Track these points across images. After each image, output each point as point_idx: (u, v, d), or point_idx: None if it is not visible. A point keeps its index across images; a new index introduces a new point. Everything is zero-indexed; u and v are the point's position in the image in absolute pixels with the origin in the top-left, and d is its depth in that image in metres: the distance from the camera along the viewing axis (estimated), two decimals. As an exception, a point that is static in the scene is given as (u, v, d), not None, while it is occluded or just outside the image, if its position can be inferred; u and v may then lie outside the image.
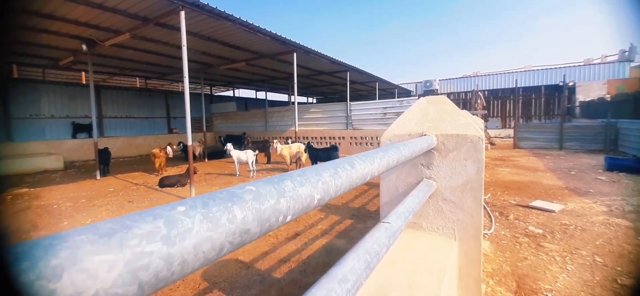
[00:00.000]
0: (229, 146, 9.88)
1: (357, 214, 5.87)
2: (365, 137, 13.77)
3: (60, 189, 8.58)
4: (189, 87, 6.43)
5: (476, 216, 1.80)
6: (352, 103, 14.35)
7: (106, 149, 10.24)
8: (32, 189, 8.60)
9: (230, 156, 9.67)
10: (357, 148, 13.98)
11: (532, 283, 3.54)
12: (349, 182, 0.71)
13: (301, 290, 3.45)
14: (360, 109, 14.13)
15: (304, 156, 10.04)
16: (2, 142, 12.35)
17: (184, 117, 6.91)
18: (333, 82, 19.67)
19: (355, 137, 14.10)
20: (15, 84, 13.08)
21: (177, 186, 8.26)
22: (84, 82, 15.30)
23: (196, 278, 3.74)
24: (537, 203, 6.10)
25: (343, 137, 14.45)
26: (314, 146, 10.24)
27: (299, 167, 10.22)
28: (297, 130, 11.77)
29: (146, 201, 7.21)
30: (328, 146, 10.68)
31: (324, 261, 4.06)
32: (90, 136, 9.57)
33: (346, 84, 15.67)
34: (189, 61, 11.91)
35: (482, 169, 1.76)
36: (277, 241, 4.66)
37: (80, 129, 14.59)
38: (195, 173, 8.21)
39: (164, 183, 8.33)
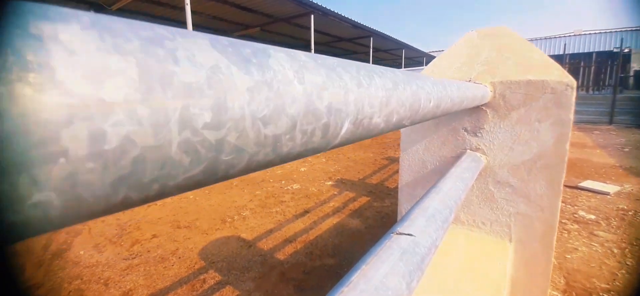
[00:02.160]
0: None
1: (375, 191, 5.30)
2: (388, 109, 12.92)
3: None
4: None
5: (549, 209, 1.17)
6: (374, 72, 13.39)
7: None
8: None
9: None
10: (378, 120, 13.17)
11: (584, 280, 2.91)
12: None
13: (305, 274, 3.01)
14: (383, 79, 13.16)
15: None
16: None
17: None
18: (354, 51, 18.53)
19: (376, 109, 13.26)
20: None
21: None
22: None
23: (193, 256, 3.39)
24: (588, 184, 5.25)
25: (363, 109, 13.65)
26: None
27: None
28: (314, 100, 11.11)
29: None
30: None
31: (334, 243, 3.58)
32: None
33: (369, 51, 14.60)
34: (199, 27, 11.41)
35: (566, 137, 1.11)
36: (284, 219, 4.22)
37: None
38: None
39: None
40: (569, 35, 18.83)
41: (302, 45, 15.78)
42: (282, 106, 0.19)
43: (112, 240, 3.80)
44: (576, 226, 3.93)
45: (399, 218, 1.62)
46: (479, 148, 1.27)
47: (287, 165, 7.21)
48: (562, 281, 2.91)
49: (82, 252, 3.55)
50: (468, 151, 1.30)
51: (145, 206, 4.88)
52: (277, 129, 0.19)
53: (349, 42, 15.71)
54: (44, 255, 3.53)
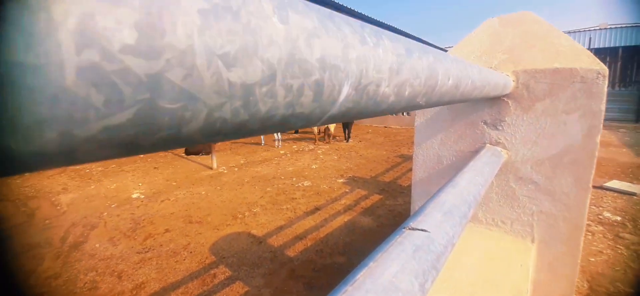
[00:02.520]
0: None
1: (387, 189, 5.21)
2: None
3: (96, 154, 8.89)
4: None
5: (576, 208, 1.09)
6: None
7: (139, 116, 10.44)
8: (71, 153, 9.02)
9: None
10: (390, 119, 13.00)
11: (608, 284, 2.79)
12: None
13: (315, 272, 2.97)
14: (396, 76, 12.91)
15: (333, 125, 9.41)
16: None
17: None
18: (367, 48, 18.27)
19: (389, 107, 13.02)
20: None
21: (202, 154, 8.13)
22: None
23: (204, 251, 3.41)
24: (614, 184, 5.01)
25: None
26: None
27: (328, 137, 9.63)
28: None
29: (170, 167, 7.15)
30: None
31: (345, 241, 3.52)
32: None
33: (381, 48, 14.35)
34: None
35: (597, 130, 1.02)
36: (294, 216, 4.19)
37: (119, 97, 15.09)
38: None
39: (189, 151, 8.23)
40: (594, 29, 17.93)
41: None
42: (254, 46, 0.14)
43: (127, 234, 3.87)
44: (601, 227, 3.75)
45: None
46: (499, 142, 1.19)
47: (299, 162, 7.19)
48: (585, 285, 2.78)
49: (97, 245, 3.63)
50: (487, 145, 1.22)
51: (159, 201, 4.95)
52: (247, 76, 0.14)
53: (362, 39, 15.54)
54: (62, 247, 3.63)
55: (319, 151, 8.52)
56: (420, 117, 1.43)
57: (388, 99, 0.27)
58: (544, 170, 1.11)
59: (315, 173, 6.36)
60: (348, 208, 4.44)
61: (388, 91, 0.26)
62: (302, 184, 5.57)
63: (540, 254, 1.18)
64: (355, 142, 9.65)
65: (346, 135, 10.40)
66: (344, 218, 4.11)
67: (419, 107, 0.40)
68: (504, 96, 1.14)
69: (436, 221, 0.49)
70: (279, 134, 9.03)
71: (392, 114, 12.33)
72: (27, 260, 3.39)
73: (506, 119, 1.16)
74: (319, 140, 9.71)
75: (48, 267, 3.24)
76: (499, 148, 1.18)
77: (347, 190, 5.19)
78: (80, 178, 6.51)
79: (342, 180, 5.78)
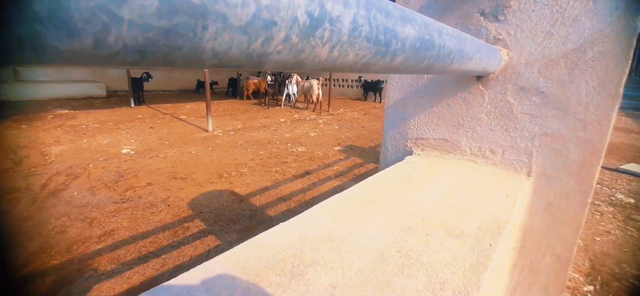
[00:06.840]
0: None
1: (385, 160, 4.93)
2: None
3: (96, 113, 8.78)
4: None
5: (596, 123, 0.80)
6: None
7: (140, 79, 10.25)
8: (71, 111, 8.92)
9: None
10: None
11: (613, 265, 2.59)
12: None
13: (298, 235, 2.77)
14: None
15: (316, 93, 9.32)
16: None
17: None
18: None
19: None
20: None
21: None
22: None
23: (182, 205, 3.24)
24: (630, 167, 4.65)
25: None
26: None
27: (314, 105, 9.55)
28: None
29: (166, 128, 6.99)
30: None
31: (332, 205, 3.29)
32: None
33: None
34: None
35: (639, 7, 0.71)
36: (282, 178, 3.97)
37: (124, 60, 14.86)
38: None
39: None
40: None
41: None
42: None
43: (108, 185, 3.72)
44: (611, 208, 3.44)
45: (382, 157, 1.28)
46: (499, 39, 0.89)
47: (297, 129, 6.92)
48: (586, 264, 2.55)
49: (76, 193, 3.49)
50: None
51: (148, 157, 4.79)
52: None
53: None
54: (41, 193, 3.51)
55: (320, 121, 8.23)
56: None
57: None
58: (556, 73, 0.82)
59: (312, 140, 6.09)
60: (339, 174, 4.20)
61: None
62: (297, 150, 5.33)
63: (538, 191, 0.90)
64: (360, 115, 9.30)
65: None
66: (334, 183, 3.88)
67: None
68: (509, -30, 0.83)
69: None
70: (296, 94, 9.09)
71: None
72: (2, 202, 3.28)
73: (512, 3, 0.85)
74: (315, 111, 9.45)
75: (22, 210, 3.12)
76: (498, 47, 0.88)
77: (342, 157, 4.93)
78: (75, 133, 6.40)
79: (338, 148, 5.51)
